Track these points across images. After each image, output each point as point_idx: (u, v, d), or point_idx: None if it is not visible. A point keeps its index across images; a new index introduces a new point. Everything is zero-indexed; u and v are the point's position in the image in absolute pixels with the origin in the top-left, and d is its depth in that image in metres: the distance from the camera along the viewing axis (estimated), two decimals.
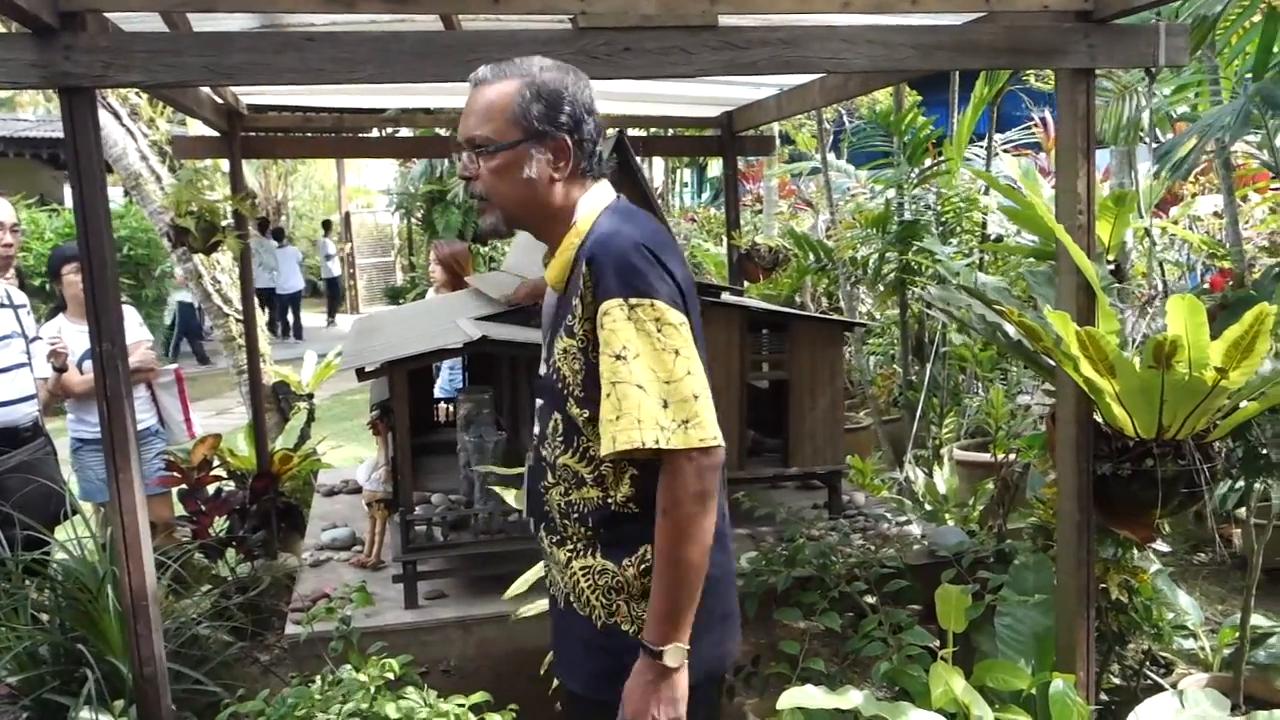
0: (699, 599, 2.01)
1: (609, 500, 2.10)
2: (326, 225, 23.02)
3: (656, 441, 1.90)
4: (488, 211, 2.15)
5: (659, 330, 1.95)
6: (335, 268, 22.11)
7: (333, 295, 21.97)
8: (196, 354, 15.78)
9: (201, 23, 3.64)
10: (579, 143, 2.10)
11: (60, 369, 4.82)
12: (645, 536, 2.04)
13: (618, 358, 1.94)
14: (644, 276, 1.97)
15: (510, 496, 3.20)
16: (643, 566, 2.09)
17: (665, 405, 1.93)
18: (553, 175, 2.10)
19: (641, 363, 1.94)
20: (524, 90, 2.06)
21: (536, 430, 2.24)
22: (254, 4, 3.16)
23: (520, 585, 3.00)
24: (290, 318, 19.32)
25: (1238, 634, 3.73)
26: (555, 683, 2.89)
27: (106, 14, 3.09)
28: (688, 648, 2.00)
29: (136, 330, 5.13)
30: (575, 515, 2.14)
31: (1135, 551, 3.69)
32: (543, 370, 2.24)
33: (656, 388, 1.93)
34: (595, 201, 2.14)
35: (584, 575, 2.14)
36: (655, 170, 16.17)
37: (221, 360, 10.65)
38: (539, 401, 2.25)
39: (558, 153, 2.09)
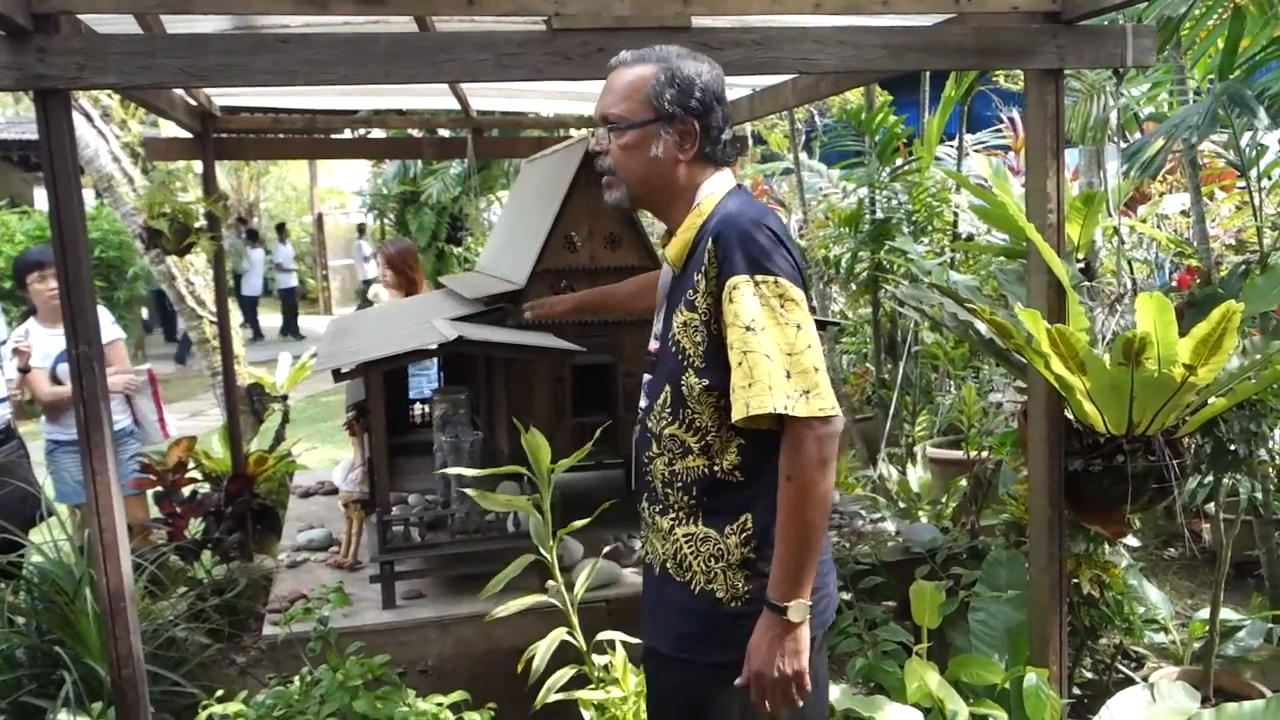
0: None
1: (714, 468, 2.21)
2: (281, 229, 21.36)
3: (786, 408, 2.00)
4: (615, 187, 2.29)
5: (781, 305, 2.07)
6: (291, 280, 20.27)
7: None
8: (176, 354, 15.65)
9: (175, 24, 3.62)
10: (705, 128, 2.23)
11: (24, 369, 4.79)
12: (747, 505, 2.19)
13: (748, 329, 2.05)
14: (769, 254, 2.09)
15: (480, 498, 3.17)
16: (743, 535, 2.20)
17: (788, 375, 2.03)
18: (678, 156, 2.23)
19: (768, 335, 2.05)
20: (660, 74, 2.20)
21: (644, 404, 2.36)
22: (228, 5, 3.15)
23: (497, 584, 3.00)
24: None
25: (1207, 628, 3.78)
26: (530, 681, 2.95)
27: (80, 16, 3.07)
28: (810, 603, 2.09)
29: (110, 329, 5.11)
30: (679, 484, 2.25)
31: (1106, 546, 3.73)
32: (654, 346, 2.38)
33: (780, 359, 2.04)
34: (718, 186, 2.27)
35: (687, 542, 2.25)
36: None
37: (195, 362, 10.61)
38: (647, 377, 2.37)
39: (685, 135, 2.22)
